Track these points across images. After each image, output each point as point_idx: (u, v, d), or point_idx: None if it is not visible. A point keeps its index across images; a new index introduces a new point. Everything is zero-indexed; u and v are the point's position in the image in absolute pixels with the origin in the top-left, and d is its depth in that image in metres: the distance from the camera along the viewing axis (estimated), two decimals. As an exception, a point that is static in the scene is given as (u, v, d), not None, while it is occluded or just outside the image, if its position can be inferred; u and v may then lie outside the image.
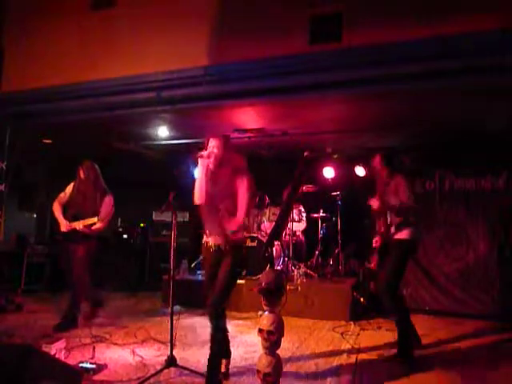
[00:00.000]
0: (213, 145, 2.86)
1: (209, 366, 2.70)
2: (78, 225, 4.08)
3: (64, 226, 4.12)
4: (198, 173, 2.82)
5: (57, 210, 4.22)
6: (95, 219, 4.05)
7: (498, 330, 4.34)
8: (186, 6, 4.27)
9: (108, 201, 4.25)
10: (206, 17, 4.17)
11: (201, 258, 6.25)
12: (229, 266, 2.75)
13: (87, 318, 4.21)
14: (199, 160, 2.82)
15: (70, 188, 4.32)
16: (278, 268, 5.56)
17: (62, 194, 4.30)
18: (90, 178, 4.26)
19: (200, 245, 2.99)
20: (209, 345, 2.71)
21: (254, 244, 5.45)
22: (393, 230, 3.53)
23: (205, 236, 2.91)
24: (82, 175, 4.27)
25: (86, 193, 4.23)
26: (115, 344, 3.62)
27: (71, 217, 4.16)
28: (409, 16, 3.56)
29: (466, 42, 3.35)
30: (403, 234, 3.49)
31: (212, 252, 2.84)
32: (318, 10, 3.80)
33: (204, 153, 2.83)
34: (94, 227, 4.09)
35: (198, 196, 2.80)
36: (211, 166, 2.84)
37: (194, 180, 2.88)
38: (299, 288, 4.88)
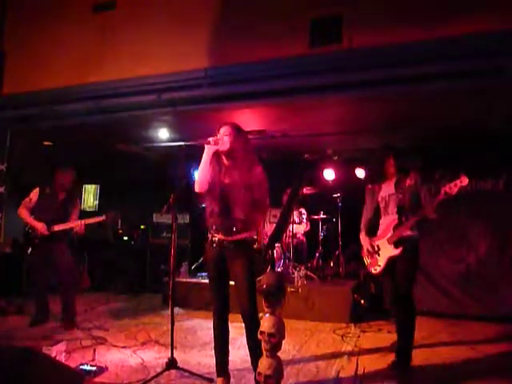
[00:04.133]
0: (223, 132, 2.69)
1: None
2: (81, 223, 4.18)
3: (42, 228, 4.13)
4: (203, 159, 2.66)
5: (26, 215, 4.25)
6: (102, 217, 4.24)
7: (499, 331, 4.34)
8: (187, 8, 4.28)
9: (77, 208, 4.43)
10: (207, 19, 4.18)
11: (201, 259, 6.28)
12: (244, 267, 2.62)
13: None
14: (206, 146, 2.65)
15: (35, 193, 4.32)
16: (279, 270, 5.56)
17: (27, 199, 4.31)
18: (65, 186, 4.34)
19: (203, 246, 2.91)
20: (209, 346, 2.69)
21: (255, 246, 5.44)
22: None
23: (211, 232, 2.72)
24: (60, 181, 4.32)
25: (60, 199, 4.30)
26: (116, 346, 3.61)
27: (47, 221, 4.18)
28: (409, 18, 3.57)
29: (467, 43, 3.35)
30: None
31: (216, 249, 2.68)
32: (319, 12, 3.81)
33: (211, 138, 2.65)
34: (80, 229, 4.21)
35: (199, 184, 2.66)
36: (223, 156, 2.67)
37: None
38: (300, 290, 4.87)
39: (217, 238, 2.68)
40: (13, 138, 5.19)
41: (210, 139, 2.66)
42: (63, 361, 2.99)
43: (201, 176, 2.66)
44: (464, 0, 3.46)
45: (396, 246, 3.15)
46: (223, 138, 2.66)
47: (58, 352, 3.02)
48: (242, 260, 2.64)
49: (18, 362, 2.21)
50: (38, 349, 2.81)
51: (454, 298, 5.01)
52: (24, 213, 4.27)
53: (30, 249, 4.25)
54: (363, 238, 3.44)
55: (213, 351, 2.77)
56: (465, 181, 2.90)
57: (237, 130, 2.72)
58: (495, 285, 4.85)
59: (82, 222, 4.21)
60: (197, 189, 2.68)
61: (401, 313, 3.22)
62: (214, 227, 2.68)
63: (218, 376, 2.74)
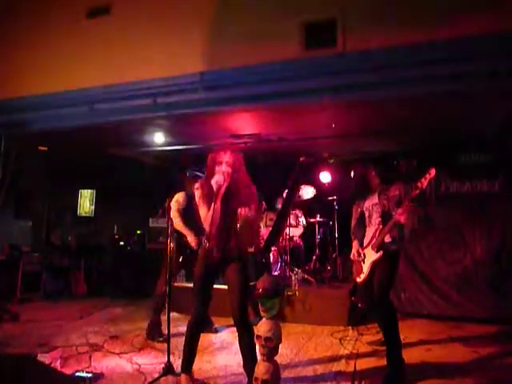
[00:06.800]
0: (225, 163, 2.71)
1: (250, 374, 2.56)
2: None
3: (195, 245, 3.83)
4: (217, 204, 2.62)
5: (183, 224, 3.95)
6: None
7: (497, 333, 4.33)
8: (182, 12, 4.28)
9: None
10: (202, 23, 4.18)
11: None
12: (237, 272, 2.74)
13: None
14: (217, 189, 2.61)
15: (184, 198, 4.05)
16: (276, 273, 5.54)
17: (176, 205, 3.99)
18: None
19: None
20: (206, 351, 2.68)
21: (251, 250, 5.42)
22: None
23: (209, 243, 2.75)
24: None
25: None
26: (112, 352, 3.59)
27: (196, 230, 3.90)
28: (403, 21, 3.59)
29: (462, 46, 3.37)
30: None
31: (211, 257, 2.75)
32: (313, 15, 3.83)
33: (219, 180, 2.63)
34: None
35: (211, 225, 2.64)
36: (223, 189, 2.65)
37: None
38: (297, 293, 4.86)
39: (214, 249, 2.74)
40: (7, 144, 5.16)
41: (220, 180, 2.63)
42: (58, 368, 2.96)
43: (215, 219, 2.62)
44: (460, 2, 3.48)
45: (377, 250, 3.24)
46: (225, 174, 2.68)
47: (53, 359, 3.00)
48: (236, 265, 2.74)
49: (14, 369, 2.19)
50: (33, 356, 2.79)
51: (451, 300, 5.01)
52: (180, 221, 3.95)
53: (182, 258, 4.02)
54: (354, 245, 3.54)
55: (210, 356, 2.77)
56: (433, 172, 3.13)
57: (236, 159, 2.76)
58: (492, 286, 4.86)
59: None
60: (207, 228, 2.66)
61: (380, 318, 3.25)
62: (211, 243, 2.74)
63: (186, 371, 2.76)
